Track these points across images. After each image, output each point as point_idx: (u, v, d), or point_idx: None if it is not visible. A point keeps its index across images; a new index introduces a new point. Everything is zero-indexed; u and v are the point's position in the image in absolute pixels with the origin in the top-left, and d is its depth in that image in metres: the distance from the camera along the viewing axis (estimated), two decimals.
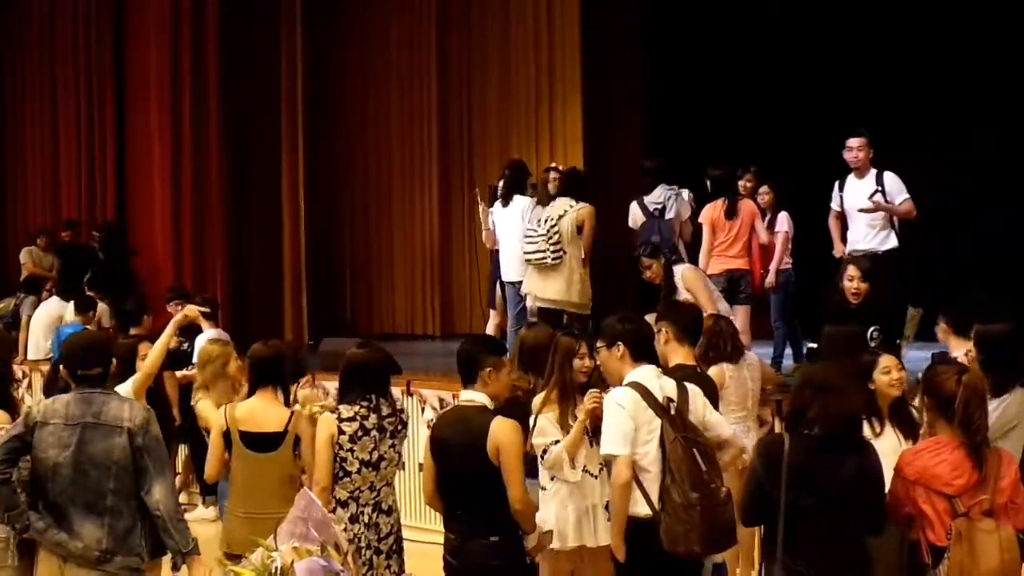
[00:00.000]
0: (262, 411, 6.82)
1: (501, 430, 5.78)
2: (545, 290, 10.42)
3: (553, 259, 10.32)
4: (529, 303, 10.60)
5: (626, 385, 5.95)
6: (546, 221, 10.37)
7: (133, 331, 10.80)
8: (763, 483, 5.20)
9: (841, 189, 10.07)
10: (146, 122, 16.85)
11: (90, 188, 17.56)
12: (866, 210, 9.86)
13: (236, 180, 16.53)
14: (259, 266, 16.77)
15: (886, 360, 6.49)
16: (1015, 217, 12.43)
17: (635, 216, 10.88)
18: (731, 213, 10.61)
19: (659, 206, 10.74)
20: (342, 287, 17.10)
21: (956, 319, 7.51)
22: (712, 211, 10.69)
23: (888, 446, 5.98)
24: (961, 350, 7.12)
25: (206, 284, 15.99)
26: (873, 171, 9.96)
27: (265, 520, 6.58)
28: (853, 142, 9.95)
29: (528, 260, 10.46)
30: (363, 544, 6.48)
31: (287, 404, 6.97)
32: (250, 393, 6.97)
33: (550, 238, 10.31)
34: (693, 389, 6.04)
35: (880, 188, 9.86)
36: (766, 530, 5.27)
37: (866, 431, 6.11)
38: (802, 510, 5.10)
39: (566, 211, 10.42)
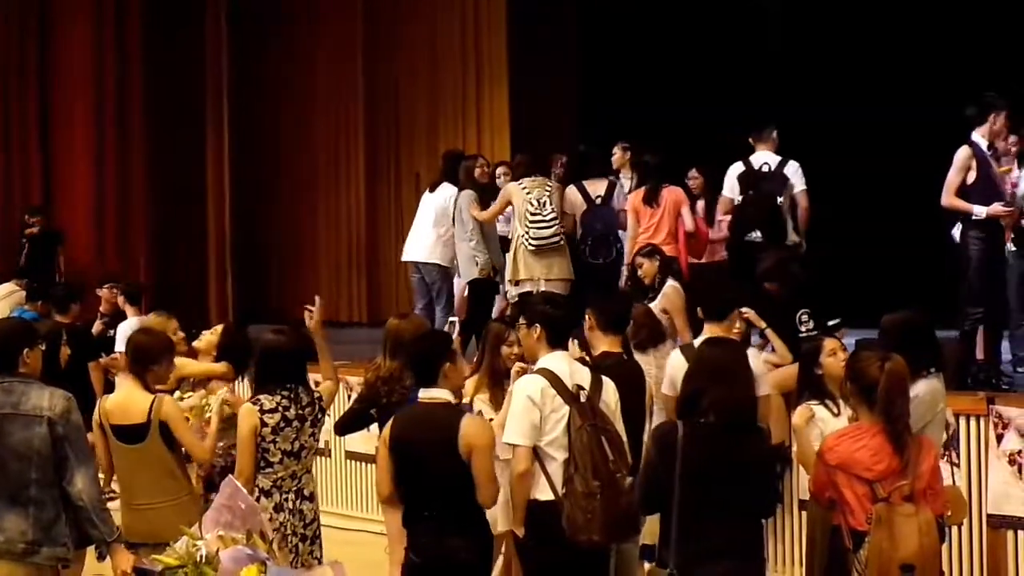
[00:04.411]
0: (127, 401, 6.62)
1: (473, 428, 5.62)
2: (552, 272, 10.34)
3: (561, 240, 10.39)
4: (530, 288, 10.28)
5: (536, 371, 5.97)
6: (545, 204, 10.33)
7: (59, 319, 10.60)
8: (658, 471, 5.16)
9: None
10: (70, 108, 16.66)
11: (21, 174, 17.21)
12: None
13: (160, 166, 16.44)
14: (184, 252, 16.67)
15: (830, 343, 6.61)
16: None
17: (573, 202, 10.80)
18: (650, 200, 10.53)
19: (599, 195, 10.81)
20: (268, 273, 17.00)
21: (709, 306, 7.33)
22: (635, 198, 10.68)
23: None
24: (713, 333, 6.92)
25: (130, 270, 15.84)
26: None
27: (146, 511, 6.49)
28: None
29: (542, 245, 10.30)
30: (289, 531, 6.48)
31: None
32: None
33: (557, 219, 10.38)
34: (608, 382, 6.03)
35: None
36: (662, 517, 5.24)
37: (824, 413, 6.25)
38: (697, 497, 5.07)
39: (548, 190, 10.44)
